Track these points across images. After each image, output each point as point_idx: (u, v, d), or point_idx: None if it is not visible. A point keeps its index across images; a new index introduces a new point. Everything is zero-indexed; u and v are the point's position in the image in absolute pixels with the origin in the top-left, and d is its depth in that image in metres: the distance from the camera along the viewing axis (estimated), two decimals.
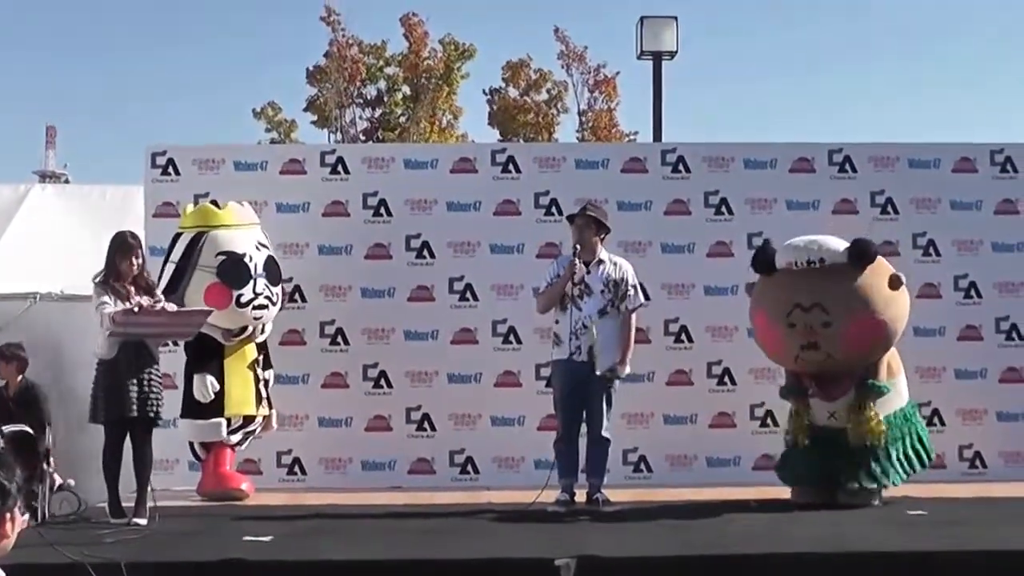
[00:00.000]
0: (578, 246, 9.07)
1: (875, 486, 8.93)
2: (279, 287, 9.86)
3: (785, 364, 9.27)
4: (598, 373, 8.98)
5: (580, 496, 9.05)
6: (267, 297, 9.65)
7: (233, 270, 9.49)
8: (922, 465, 9.25)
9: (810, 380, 9.02)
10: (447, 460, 10.59)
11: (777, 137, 24.56)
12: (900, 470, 9.03)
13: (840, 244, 8.99)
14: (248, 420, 9.73)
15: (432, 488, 10.15)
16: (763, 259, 9.13)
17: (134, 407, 8.25)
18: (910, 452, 9.11)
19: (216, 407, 9.51)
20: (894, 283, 8.93)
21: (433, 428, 10.59)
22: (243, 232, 9.75)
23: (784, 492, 9.22)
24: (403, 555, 7.17)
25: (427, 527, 8.25)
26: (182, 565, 7.04)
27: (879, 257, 9.05)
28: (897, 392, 9.15)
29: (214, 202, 9.90)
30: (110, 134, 45.76)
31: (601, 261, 9.12)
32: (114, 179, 13.69)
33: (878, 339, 8.95)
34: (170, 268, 9.51)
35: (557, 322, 9.08)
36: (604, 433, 9.08)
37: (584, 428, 9.12)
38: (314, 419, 10.53)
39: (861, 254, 8.87)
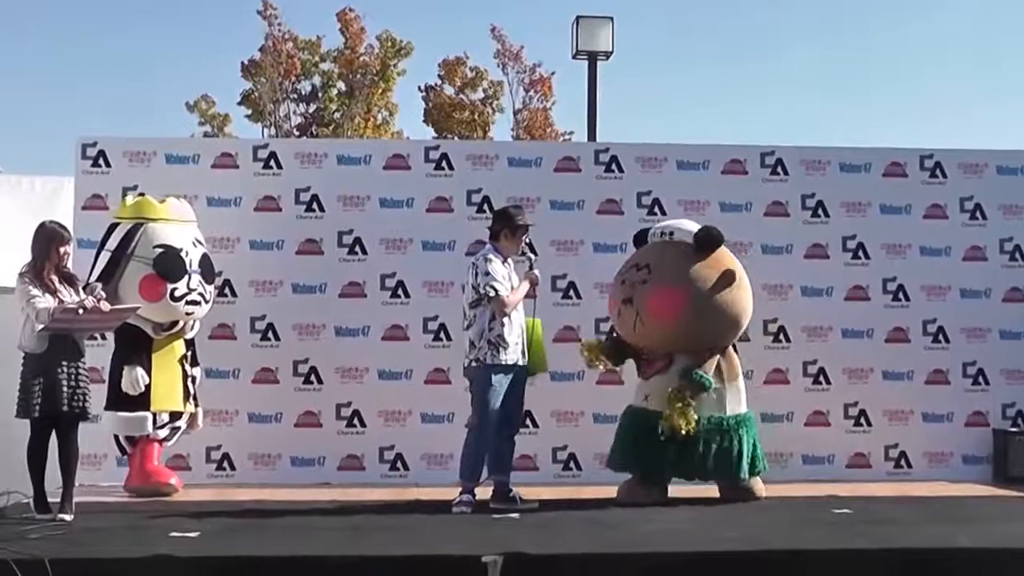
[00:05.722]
0: (530, 252, 9.07)
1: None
2: (212, 285, 9.82)
3: (614, 321, 9.48)
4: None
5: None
6: (200, 294, 9.61)
7: (170, 263, 9.44)
8: (755, 470, 9.21)
9: (636, 357, 9.34)
10: (377, 456, 10.59)
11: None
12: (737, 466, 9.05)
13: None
14: (175, 416, 9.63)
15: (361, 484, 10.15)
16: (640, 235, 9.59)
17: (65, 401, 8.18)
18: (745, 452, 9.07)
19: (143, 401, 9.42)
20: (725, 276, 9.04)
21: (363, 424, 10.58)
22: (181, 227, 9.71)
23: (713, 491, 9.24)
24: (332, 551, 7.14)
25: (356, 523, 8.22)
26: (108, 561, 6.94)
27: (728, 256, 9.25)
28: (736, 398, 9.19)
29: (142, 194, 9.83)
30: (43, 125, 45.17)
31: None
32: (50, 170, 13.49)
33: (680, 315, 8.94)
34: (105, 256, 9.43)
35: (503, 325, 8.82)
36: None
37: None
38: (244, 414, 10.50)
39: (703, 238, 9.13)
